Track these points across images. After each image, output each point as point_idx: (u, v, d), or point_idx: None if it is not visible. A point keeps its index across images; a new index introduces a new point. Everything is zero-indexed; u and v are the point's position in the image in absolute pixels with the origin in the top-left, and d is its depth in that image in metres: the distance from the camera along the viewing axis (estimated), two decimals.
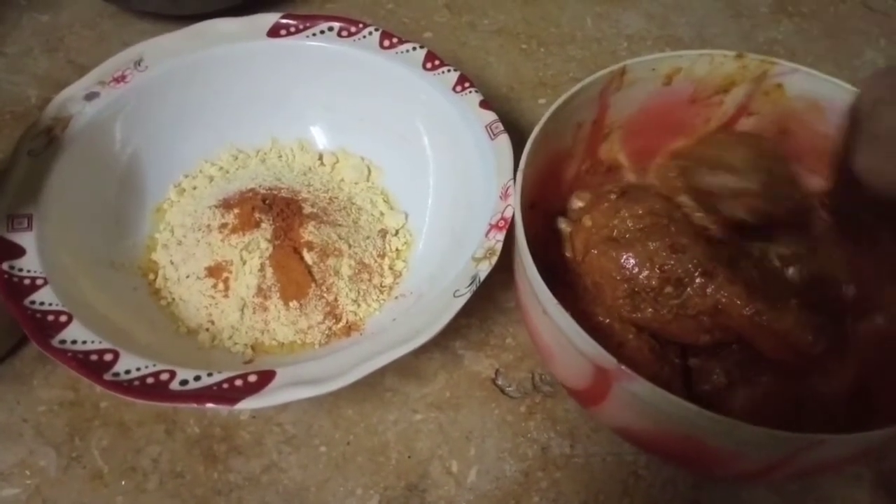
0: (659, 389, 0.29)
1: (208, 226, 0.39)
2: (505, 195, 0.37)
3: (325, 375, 0.31)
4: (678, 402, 0.28)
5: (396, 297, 0.40)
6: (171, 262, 0.40)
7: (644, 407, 0.30)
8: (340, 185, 0.44)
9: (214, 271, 0.38)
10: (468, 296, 0.33)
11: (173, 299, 0.39)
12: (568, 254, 0.38)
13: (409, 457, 0.36)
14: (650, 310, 0.34)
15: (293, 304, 0.38)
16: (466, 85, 0.42)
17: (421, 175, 0.43)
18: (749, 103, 0.42)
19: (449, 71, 0.42)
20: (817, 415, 0.34)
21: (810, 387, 0.34)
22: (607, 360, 0.30)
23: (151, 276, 0.40)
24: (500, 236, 0.35)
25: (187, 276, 0.39)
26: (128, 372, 0.31)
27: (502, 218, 0.36)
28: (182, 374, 0.31)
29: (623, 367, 0.29)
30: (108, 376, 0.31)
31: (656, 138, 0.42)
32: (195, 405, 0.30)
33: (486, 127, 0.40)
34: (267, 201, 0.39)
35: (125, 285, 0.39)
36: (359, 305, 0.39)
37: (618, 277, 0.34)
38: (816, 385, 0.34)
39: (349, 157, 0.46)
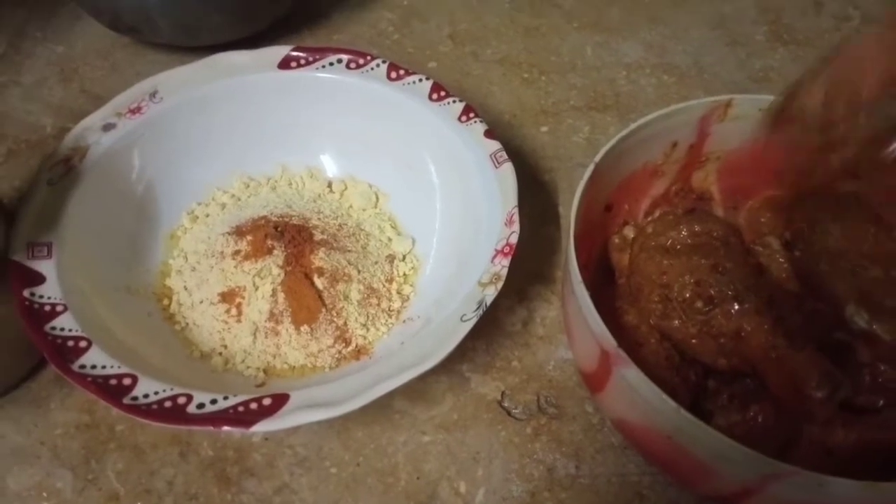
0: (645, 378, 0.30)
1: (221, 252, 0.41)
2: (510, 222, 0.38)
3: (338, 398, 0.32)
4: (659, 394, 0.30)
5: (404, 321, 0.41)
6: (185, 288, 0.41)
7: (635, 398, 0.32)
8: (349, 212, 0.46)
9: (227, 297, 0.40)
10: (475, 320, 0.34)
11: (187, 324, 0.40)
12: (625, 258, 0.41)
13: (417, 478, 0.37)
14: (677, 321, 0.36)
15: (304, 328, 0.39)
16: (471, 115, 0.43)
17: (427, 202, 0.45)
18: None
19: (454, 101, 0.44)
20: (811, 460, 0.34)
21: (808, 433, 0.34)
22: (609, 341, 0.31)
23: (166, 302, 0.41)
24: (506, 262, 0.36)
25: (201, 302, 0.40)
26: (146, 396, 0.32)
27: (507, 244, 0.37)
28: (198, 397, 0.32)
29: (620, 350, 0.31)
30: (126, 400, 0.32)
31: (753, 180, 0.43)
32: (212, 428, 0.31)
33: (490, 156, 0.41)
34: (279, 228, 0.41)
35: (140, 310, 0.40)
36: (368, 329, 0.40)
37: (656, 281, 0.37)
38: (814, 434, 0.34)
39: (357, 185, 0.47)
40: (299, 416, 0.31)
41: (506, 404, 0.39)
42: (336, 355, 0.39)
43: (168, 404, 0.32)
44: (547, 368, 0.41)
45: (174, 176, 0.44)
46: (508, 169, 0.40)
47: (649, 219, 0.44)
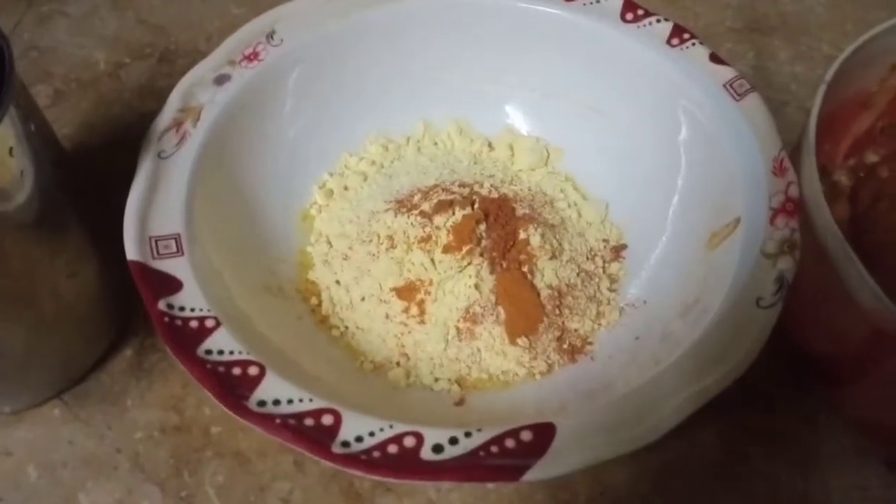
0: None
1: (390, 237, 0.31)
2: (780, 170, 0.29)
3: (624, 423, 0.23)
4: None
5: (621, 308, 0.32)
6: (338, 282, 0.32)
7: None
8: (519, 175, 0.36)
9: (404, 292, 0.30)
10: (778, 304, 0.25)
11: (346, 328, 0.31)
12: (840, 211, 0.32)
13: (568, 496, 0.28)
14: None
15: (521, 340, 0.30)
16: (686, 36, 0.33)
17: (619, 150, 0.35)
18: None
19: (658, 21, 0.34)
20: None
21: None
22: None
23: (314, 301, 0.32)
24: (794, 223, 0.27)
25: (362, 299, 0.31)
26: (359, 440, 0.23)
27: (788, 198, 0.28)
28: (430, 436, 0.23)
29: None
30: (336, 448, 0.23)
31: None
32: (468, 482, 0.22)
33: (724, 86, 0.32)
34: (474, 203, 0.31)
35: (288, 314, 0.31)
36: (583, 322, 0.31)
37: None
38: None
39: (520, 140, 0.37)
40: (585, 455, 0.22)
41: None
42: (547, 359, 0.30)
43: (393, 449, 0.23)
44: None
45: (299, 140, 0.35)
46: (755, 101, 0.31)
47: (872, 162, 0.34)
